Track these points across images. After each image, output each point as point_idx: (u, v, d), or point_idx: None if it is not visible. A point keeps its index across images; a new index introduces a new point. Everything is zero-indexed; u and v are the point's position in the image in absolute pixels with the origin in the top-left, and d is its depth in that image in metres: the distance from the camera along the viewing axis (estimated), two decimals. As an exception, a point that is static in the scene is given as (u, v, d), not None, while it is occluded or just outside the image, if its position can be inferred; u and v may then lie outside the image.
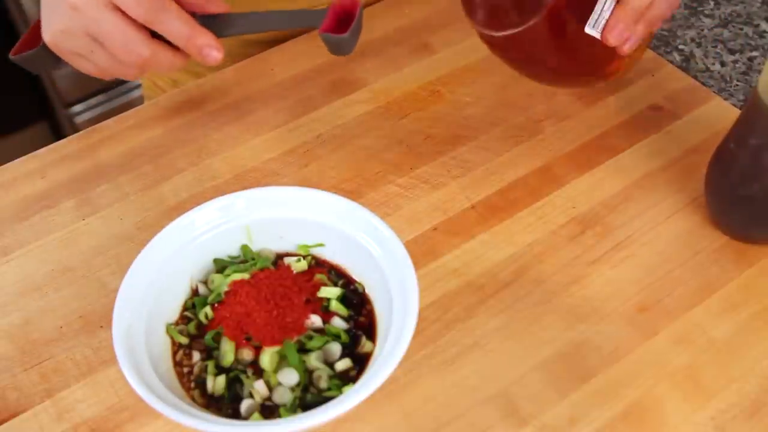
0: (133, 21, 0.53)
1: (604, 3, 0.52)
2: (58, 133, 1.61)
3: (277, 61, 0.73)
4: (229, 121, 0.68)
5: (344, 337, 0.50)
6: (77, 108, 1.59)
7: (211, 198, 0.54)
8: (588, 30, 0.52)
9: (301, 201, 0.54)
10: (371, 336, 0.50)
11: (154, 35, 0.54)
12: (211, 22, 0.56)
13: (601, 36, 0.52)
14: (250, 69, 0.73)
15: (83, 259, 0.59)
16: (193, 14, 0.56)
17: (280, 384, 0.48)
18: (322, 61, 0.72)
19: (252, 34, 0.64)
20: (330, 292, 0.52)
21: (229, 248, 0.54)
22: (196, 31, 0.54)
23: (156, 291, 0.50)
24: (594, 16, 0.52)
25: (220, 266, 0.54)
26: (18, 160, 0.67)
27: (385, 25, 0.76)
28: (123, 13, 0.53)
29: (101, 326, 0.55)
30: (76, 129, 1.58)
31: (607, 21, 0.52)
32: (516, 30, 0.52)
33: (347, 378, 0.48)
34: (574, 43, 0.54)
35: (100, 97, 1.59)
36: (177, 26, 0.54)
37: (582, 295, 0.55)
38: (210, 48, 0.55)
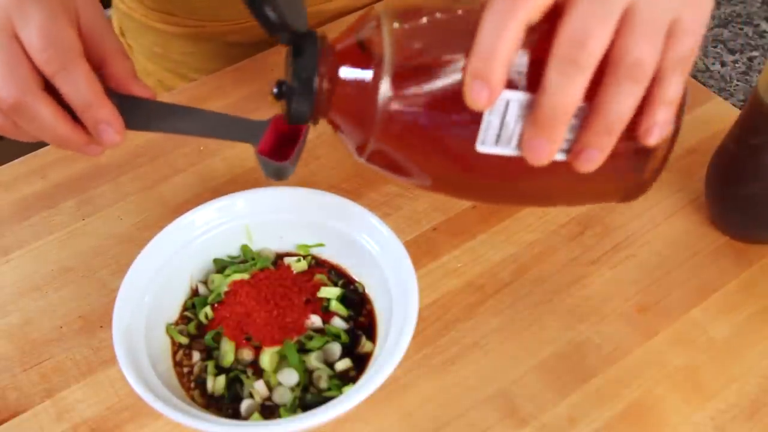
0: (30, 58, 0.43)
1: (506, 103, 0.36)
2: (58, 133, 1.61)
3: (276, 61, 0.73)
4: (229, 121, 0.68)
5: (344, 337, 0.50)
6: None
7: (211, 198, 0.54)
8: (483, 148, 0.37)
9: (301, 201, 0.54)
10: (371, 336, 0.50)
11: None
12: (129, 105, 0.46)
13: (520, 153, 0.37)
14: (250, 69, 0.73)
15: (83, 259, 0.59)
16: (112, 93, 0.46)
17: (280, 384, 0.48)
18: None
19: (177, 134, 0.49)
20: (330, 292, 0.52)
21: (229, 248, 0.54)
22: (100, 100, 0.43)
23: (156, 291, 0.50)
24: (489, 123, 0.37)
25: (220, 266, 0.54)
26: (18, 160, 0.67)
27: (385, 25, 0.76)
28: (23, 47, 0.43)
29: (101, 326, 0.55)
30: (76, 129, 1.58)
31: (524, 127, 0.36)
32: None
33: (347, 378, 0.48)
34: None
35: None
36: (80, 87, 0.43)
37: (582, 295, 0.55)
38: (107, 125, 0.44)
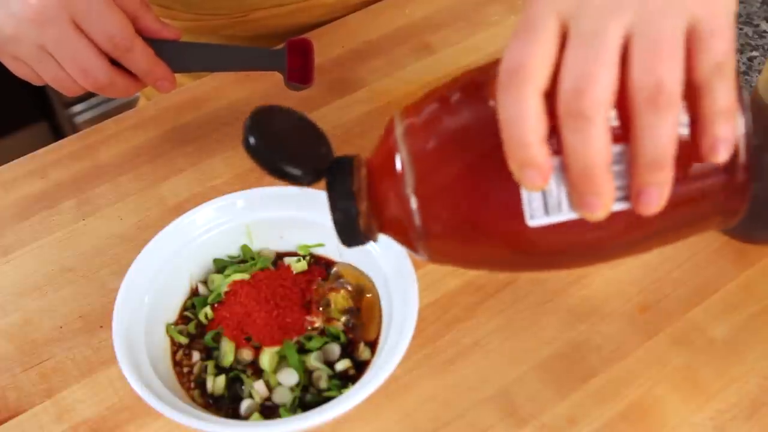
0: (97, 47, 0.54)
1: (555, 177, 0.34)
2: (58, 133, 1.61)
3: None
4: (229, 121, 0.68)
5: (343, 337, 0.50)
6: (77, 108, 1.59)
7: (211, 198, 0.54)
8: (535, 222, 0.35)
9: (301, 201, 0.54)
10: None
11: (113, 60, 0.56)
12: (163, 49, 0.58)
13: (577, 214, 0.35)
14: (250, 69, 0.73)
15: (83, 259, 0.59)
16: (149, 39, 0.57)
17: (279, 384, 0.48)
18: (321, 60, 0.72)
19: (206, 71, 0.69)
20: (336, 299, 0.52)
21: (229, 248, 0.54)
22: (155, 64, 0.58)
23: (156, 291, 0.50)
24: (529, 196, 0.35)
25: (220, 266, 0.54)
26: (18, 160, 0.67)
27: (385, 25, 0.76)
28: (87, 36, 0.54)
29: (101, 326, 0.55)
30: (76, 129, 1.58)
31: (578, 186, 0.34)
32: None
33: (347, 378, 0.48)
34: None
35: (100, 97, 1.58)
36: (140, 61, 0.56)
37: (582, 295, 0.55)
38: (164, 80, 0.59)
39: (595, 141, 0.32)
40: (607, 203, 0.33)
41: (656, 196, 0.33)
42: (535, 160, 0.33)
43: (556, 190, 0.35)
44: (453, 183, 0.36)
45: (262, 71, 0.63)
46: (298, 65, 0.61)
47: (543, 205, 0.35)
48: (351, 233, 0.39)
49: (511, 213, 0.35)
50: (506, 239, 0.37)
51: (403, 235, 0.38)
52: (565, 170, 0.34)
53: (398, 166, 0.37)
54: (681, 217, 0.36)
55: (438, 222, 0.37)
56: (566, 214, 0.35)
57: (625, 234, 0.37)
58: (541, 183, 0.33)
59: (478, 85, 0.37)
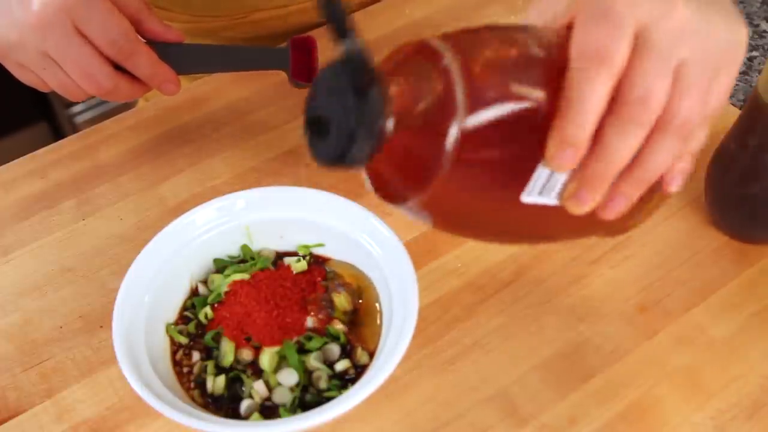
0: (100, 52, 0.54)
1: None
2: (58, 133, 1.61)
3: (277, 61, 0.73)
4: (228, 121, 0.68)
5: (343, 338, 0.50)
6: (77, 108, 1.59)
7: (211, 198, 0.54)
8: (527, 198, 0.37)
9: (301, 201, 0.54)
10: (371, 336, 0.50)
11: (116, 65, 0.56)
12: (168, 52, 0.58)
13: (561, 202, 0.38)
14: (250, 69, 0.73)
15: (83, 259, 0.59)
16: (152, 43, 0.58)
17: (279, 384, 0.48)
18: (321, 60, 0.72)
19: (210, 72, 0.69)
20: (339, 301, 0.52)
21: (229, 248, 0.54)
22: (159, 67, 0.57)
23: (156, 291, 0.50)
24: (539, 175, 0.36)
25: (220, 266, 0.54)
26: (18, 160, 0.67)
27: (384, 26, 0.76)
28: (89, 41, 0.54)
29: (101, 326, 0.55)
30: (76, 129, 1.58)
31: (566, 182, 0.37)
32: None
33: (347, 378, 0.48)
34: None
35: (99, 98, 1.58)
36: (143, 64, 0.56)
37: (582, 295, 0.55)
38: (168, 83, 0.59)
39: (633, 149, 0.35)
40: (596, 202, 0.37)
41: (623, 205, 0.37)
42: (581, 143, 0.35)
43: (560, 178, 0.37)
44: (494, 133, 0.35)
45: (267, 70, 0.63)
46: (302, 63, 0.61)
47: (542, 186, 0.37)
48: (363, 150, 0.33)
49: (519, 181, 0.36)
50: (499, 203, 0.38)
51: (411, 170, 0.36)
52: (583, 163, 0.36)
53: (456, 96, 0.34)
54: (592, 224, 0.40)
55: (464, 164, 0.35)
56: (551, 201, 0.37)
57: (557, 224, 0.41)
58: (570, 165, 0.35)
59: (545, 46, 0.37)
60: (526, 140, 0.36)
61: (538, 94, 0.35)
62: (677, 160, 0.38)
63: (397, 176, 0.37)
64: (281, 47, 0.62)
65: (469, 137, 0.34)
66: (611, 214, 0.37)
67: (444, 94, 0.34)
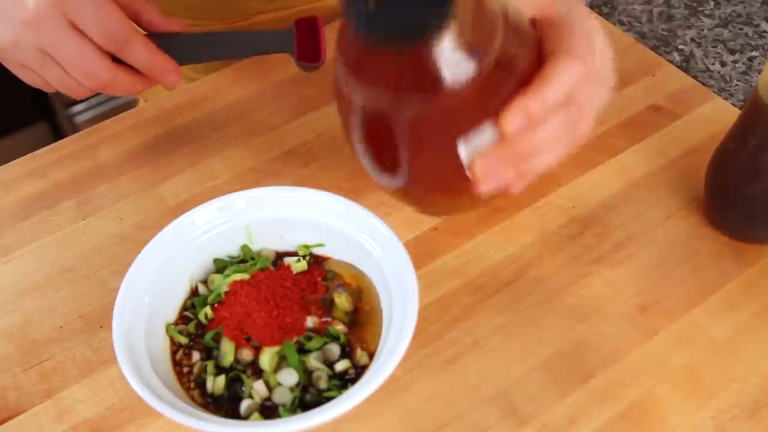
0: (96, 45, 0.54)
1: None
2: (58, 133, 1.61)
3: (276, 61, 0.73)
4: (228, 121, 0.68)
5: (343, 338, 0.50)
6: (77, 108, 1.59)
7: (211, 198, 0.54)
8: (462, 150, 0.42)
9: (301, 201, 0.54)
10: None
11: (115, 58, 0.55)
12: (169, 43, 0.57)
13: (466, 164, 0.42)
14: (250, 69, 0.73)
15: (83, 259, 0.59)
16: (152, 34, 0.57)
17: (279, 384, 0.48)
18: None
19: (215, 60, 0.66)
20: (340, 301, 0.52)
21: (229, 248, 0.54)
22: (157, 57, 0.56)
23: (156, 291, 0.50)
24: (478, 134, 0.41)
25: (220, 266, 0.54)
26: (18, 160, 0.67)
27: (385, 25, 0.76)
28: (84, 35, 0.53)
29: (101, 326, 0.55)
30: (76, 129, 1.58)
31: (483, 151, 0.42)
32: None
33: (347, 378, 0.48)
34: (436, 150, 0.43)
35: (100, 97, 1.58)
36: (140, 54, 0.55)
37: (582, 295, 0.55)
38: (169, 72, 0.57)
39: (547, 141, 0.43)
40: (493, 184, 0.43)
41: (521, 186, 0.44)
42: (537, 120, 0.40)
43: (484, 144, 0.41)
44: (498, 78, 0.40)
45: (272, 54, 0.62)
46: (308, 45, 0.61)
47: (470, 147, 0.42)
48: (436, 17, 0.35)
49: (457, 129, 0.41)
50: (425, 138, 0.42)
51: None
52: (505, 148, 0.41)
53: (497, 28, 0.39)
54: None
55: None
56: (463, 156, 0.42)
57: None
58: (516, 131, 0.40)
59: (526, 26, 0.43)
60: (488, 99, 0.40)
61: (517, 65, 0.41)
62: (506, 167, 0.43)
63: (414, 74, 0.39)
64: (285, 30, 0.61)
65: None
66: (486, 189, 0.42)
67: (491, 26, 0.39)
